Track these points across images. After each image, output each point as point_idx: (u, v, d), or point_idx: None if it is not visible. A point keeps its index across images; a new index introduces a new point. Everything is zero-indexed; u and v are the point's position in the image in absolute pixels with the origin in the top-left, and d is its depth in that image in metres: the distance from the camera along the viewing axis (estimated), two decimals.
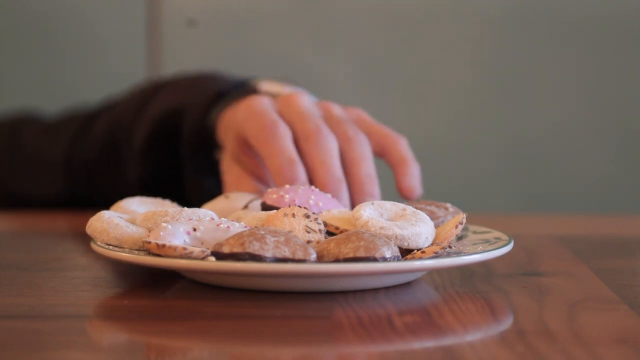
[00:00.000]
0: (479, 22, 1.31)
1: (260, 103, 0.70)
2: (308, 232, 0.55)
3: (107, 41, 1.34)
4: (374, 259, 0.52)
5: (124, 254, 0.54)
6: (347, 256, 0.52)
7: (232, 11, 1.33)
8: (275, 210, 0.57)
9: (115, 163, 0.94)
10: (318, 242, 0.54)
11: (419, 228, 0.56)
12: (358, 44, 1.33)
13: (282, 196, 0.60)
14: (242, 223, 0.56)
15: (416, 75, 1.33)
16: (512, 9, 1.31)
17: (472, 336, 0.48)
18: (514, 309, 0.53)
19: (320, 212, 0.59)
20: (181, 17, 1.33)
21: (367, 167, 0.67)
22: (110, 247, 0.56)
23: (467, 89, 1.33)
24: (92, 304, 0.55)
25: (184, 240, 0.54)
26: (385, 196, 0.66)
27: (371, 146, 0.69)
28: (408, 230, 0.55)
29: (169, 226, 0.54)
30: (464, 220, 0.57)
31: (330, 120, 0.70)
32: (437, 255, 0.54)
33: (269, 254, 0.51)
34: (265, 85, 0.82)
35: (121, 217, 0.59)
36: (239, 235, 0.52)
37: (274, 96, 0.75)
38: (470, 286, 0.58)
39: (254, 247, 0.51)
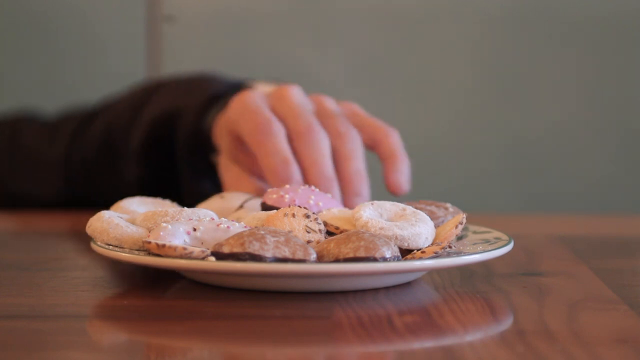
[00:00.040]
0: (479, 22, 1.31)
1: (253, 99, 0.70)
2: (308, 232, 0.55)
3: (107, 41, 1.34)
4: (374, 259, 0.52)
5: (124, 254, 0.54)
6: (347, 256, 0.52)
7: (232, 11, 1.33)
8: (275, 210, 0.57)
9: (113, 163, 0.94)
10: (318, 242, 0.54)
11: (419, 228, 0.56)
12: (358, 43, 1.33)
13: (282, 196, 0.60)
14: (242, 223, 0.56)
15: (416, 75, 1.33)
16: (512, 9, 1.31)
17: (472, 336, 0.48)
18: (514, 309, 0.53)
19: (320, 212, 0.59)
20: (181, 17, 1.33)
21: (357, 163, 0.67)
22: (110, 247, 0.56)
23: (467, 89, 1.33)
24: (92, 304, 0.55)
25: (184, 240, 0.54)
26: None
27: (362, 140, 0.69)
28: (408, 230, 0.55)
29: (169, 226, 0.54)
30: (464, 220, 0.57)
31: (322, 115, 0.70)
32: (437, 255, 0.54)
33: (269, 254, 0.51)
34: (261, 87, 0.82)
35: (121, 217, 0.59)
36: (239, 236, 0.52)
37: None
38: (470, 286, 0.58)
39: (254, 247, 0.51)
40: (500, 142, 1.32)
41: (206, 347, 0.46)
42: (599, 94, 1.32)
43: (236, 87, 0.84)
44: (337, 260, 0.52)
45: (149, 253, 0.54)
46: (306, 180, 0.66)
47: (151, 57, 1.34)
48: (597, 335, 0.48)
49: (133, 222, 0.58)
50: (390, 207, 0.58)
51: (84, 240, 0.60)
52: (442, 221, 0.60)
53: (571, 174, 1.32)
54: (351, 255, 0.52)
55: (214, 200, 0.64)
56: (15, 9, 1.34)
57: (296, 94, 0.71)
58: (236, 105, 0.71)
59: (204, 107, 0.83)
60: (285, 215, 0.55)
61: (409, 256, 0.54)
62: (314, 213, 0.56)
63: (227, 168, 0.73)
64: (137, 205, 0.62)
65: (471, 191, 1.32)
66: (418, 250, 0.55)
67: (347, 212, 0.59)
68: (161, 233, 0.53)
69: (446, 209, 0.62)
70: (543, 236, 0.81)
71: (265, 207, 0.60)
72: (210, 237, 0.54)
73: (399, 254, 0.53)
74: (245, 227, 0.55)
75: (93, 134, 0.97)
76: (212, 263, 0.51)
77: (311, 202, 0.60)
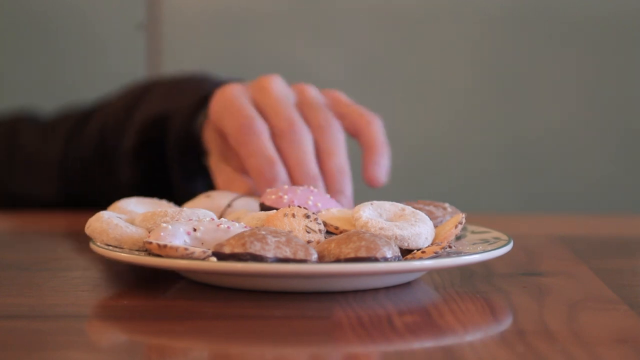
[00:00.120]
0: (479, 22, 1.31)
1: (234, 93, 0.70)
2: (308, 232, 0.55)
3: (107, 41, 1.34)
4: (375, 259, 0.52)
5: (124, 254, 0.54)
6: (349, 256, 0.52)
7: (232, 11, 1.33)
8: (274, 211, 0.57)
9: (109, 162, 0.94)
10: (318, 242, 0.54)
11: (419, 228, 0.56)
12: (358, 43, 1.33)
13: (280, 197, 0.60)
14: (242, 223, 0.56)
15: (416, 75, 1.33)
16: (512, 9, 1.31)
17: (472, 336, 0.48)
18: (514, 309, 0.53)
19: (319, 212, 0.59)
20: (181, 17, 1.33)
21: (339, 160, 0.67)
22: (110, 247, 0.56)
23: (467, 89, 1.33)
24: (92, 304, 0.55)
25: (184, 241, 0.53)
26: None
27: (345, 128, 0.69)
28: (408, 230, 0.55)
29: (169, 226, 0.54)
30: (464, 220, 0.57)
31: (304, 105, 0.70)
32: (437, 255, 0.54)
33: (270, 255, 0.51)
34: None
35: (120, 218, 0.58)
36: (240, 236, 0.52)
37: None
38: (470, 286, 0.58)
39: (256, 248, 0.51)
40: (500, 142, 1.32)
41: (206, 347, 0.46)
42: (599, 94, 1.32)
43: None
44: (338, 260, 0.52)
45: (150, 253, 0.54)
46: (291, 179, 0.66)
47: (151, 57, 1.34)
48: (597, 335, 0.48)
49: (132, 223, 0.58)
50: (389, 207, 0.58)
51: (84, 240, 0.60)
52: (441, 221, 0.60)
53: (571, 174, 1.32)
54: (352, 255, 0.52)
55: (200, 200, 0.64)
56: (15, 9, 1.34)
57: (277, 85, 0.71)
58: (218, 100, 0.70)
59: (194, 108, 0.83)
60: (285, 215, 0.55)
61: (409, 256, 0.54)
62: (313, 213, 0.56)
63: (219, 170, 0.73)
64: (135, 206, 0.62)
65: (471, 191, 1.32)
66: (418, 250, 0.55)
67: (346, 212, 0.59)
68: (161, 233, 0.53)
69: (444, 209, 0.62)
70: (543, 236, 0.81)
71: (264, 207, 0.60)
72: (211, 238, 0.54)
73: (399, 254, 0.53)
74: (245, 227, 0.55)
75: (90, 134, 0.97)
76: (213, 263, 0.51)
77: (310, 202, 0.60)
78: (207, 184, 0.78)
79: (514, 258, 0.66)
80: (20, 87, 1.35)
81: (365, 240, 0.52)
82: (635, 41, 1.31)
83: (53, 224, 0.90)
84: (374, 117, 0.70)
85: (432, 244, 0.55)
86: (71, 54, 1.35)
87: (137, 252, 0.55)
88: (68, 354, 0.46)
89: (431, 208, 0.61)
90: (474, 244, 0.59)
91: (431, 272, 0.60)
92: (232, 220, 0.56)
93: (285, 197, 0.60)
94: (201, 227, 0.54)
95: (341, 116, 0.70)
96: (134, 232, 0.57)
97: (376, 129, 0.69)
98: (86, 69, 1.35)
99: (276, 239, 0.52)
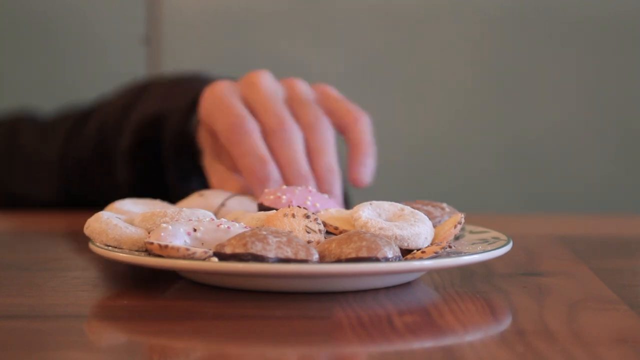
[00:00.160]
0: (479, 22, 1.31)
1: (223, 91, 0.70)
2: (308, 232, 0.55)
3: (107, 41, 1.34)
4: (376, 259, 0.52)
5: (123, 254, 0.54)
6: (349, 256, 0.52)
7: (232, 11, 1.33)
8: (274, 211, 0.57)
9: (107, 162, 0.94)
10: (318, 243, 0.54)
11: (418, 228, 0.56)
12: (358, 43, 1.33)
13: (279, 197, 0.60)
14: (242, 223, 0.56)
15: (416, 75, 1.33)
16: (512, 9, 1.31)
17: (472, 336, 0.48)
18: (514, 309, 0.53)
19: (319, 212, 0.59)
20: (181, 17, 1.33)
21: (328, 158, 0.67)
22: (109, 247, 0.56)
23: (467, 89, 1.33)
24: (92, 304, 0.55)
25: (185, 241, 0.53)
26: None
27: (333, 125, 0.69)
28: (407, 230, 0.55)
29: (170, 227, 0.54)
30: (463, 220, 0.57)
31: (293, 102, 0.70)
32: (437, 255, 0.54)
33: (271, 255, 0.51)
34: None
35: (119, 218, 0.58)
36: (241, 236, 0.52)
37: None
38: (470, 286, 0.58)
39: (257, 248, 0.51)
40: (500, 142, 1.32)
41: (206, 347, 0.46)
42: (599, 94, 1.32)
43: None
44: (339, 261, 0.52)
45: (150, 254, 0.54)
46: (282, 178, 0.66)
47: (151, 57, 1.34)
48: (597, 335, 0.48)
49: (131, 223, 0.58)
50: (388, 207, 0.58)
51: (84, 240, 0.59)
52: (439, 221, 0.60)
53: (571, 174, 1.32)
54: (353, 255, 0.52)
55: (194, 199, 0.64)
56: (15, 9, 1.34)
57: (266, 80, 0.71)
58: (207, 99, 0.70)
59: (189, 108, 0.83)
60: (285, 215, 0.55)
61: (409, 256, 0.54)
62: (313, 213, 0.56)
63: (212, 169, 0.72)
64: (131, 206, 0.62)
65: (471, 191, 1.32)
66: (418, 250, 0.55)
67: (345, 212, 0.59)
68: (162, 234, 0.53)
69: (442, 209, 0.62)
70: (543, 236, 0.81)
71: (262, 208, 0.60)
72: (211, 238, 0.54)
73: (400, 254, 0.53)
74: (246, 227, 0.55)
75: (88, 134, 0.97)
76: (215, 264, 0.51)
77: (308, 202, 0.60)
78: (203, 184, 0.78)
79: (514, 258, 0.66)
80: (20, 87, 1.35)
81: (366, 240, 0.52)
82: (635, 41, 1.31)
83: (53, 224, 0.90)
84: (362, 114, 0.70)
85: (431, 244, 0.55)
86: (71, 54, 1.35)
87: (136, 253, 0.55)
88: (68, 354, 0.46)
89: (429, 208, 0.61)
90: (473, 244, 0.59)
91: (431, 272, 0.60)
92: (232, 221, 0.56)
93: (284, 197, 0.60)
94: (201, 228, 0.54)
95: (330, 112, 0.70)
96: (133, 232, 0.57)
97: (363, 127, 0.69)
98: (86, 69, 1.35)
99: (277, 239, 0.52)
